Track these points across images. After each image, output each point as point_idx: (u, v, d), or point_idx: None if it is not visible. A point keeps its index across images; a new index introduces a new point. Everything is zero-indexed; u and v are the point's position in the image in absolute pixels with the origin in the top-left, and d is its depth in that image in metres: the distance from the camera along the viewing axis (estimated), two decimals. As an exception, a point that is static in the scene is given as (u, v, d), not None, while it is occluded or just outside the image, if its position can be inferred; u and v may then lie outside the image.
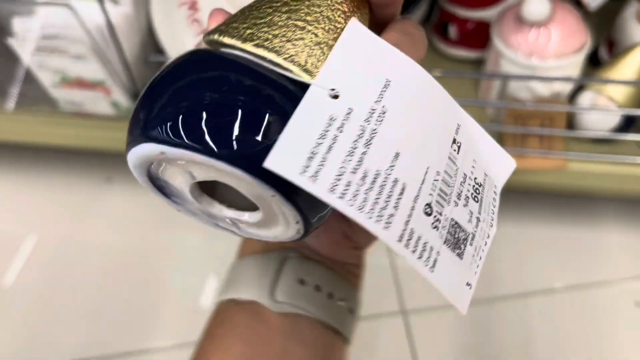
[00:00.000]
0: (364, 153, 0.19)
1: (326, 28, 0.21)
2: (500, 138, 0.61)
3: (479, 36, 0.66)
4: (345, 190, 0.18)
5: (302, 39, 0.20)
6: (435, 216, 0.20)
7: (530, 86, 0.58)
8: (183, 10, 0.63)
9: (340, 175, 0.18)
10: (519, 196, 0.74)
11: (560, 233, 0.72)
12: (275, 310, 0.26)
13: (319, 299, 0.27)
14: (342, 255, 0.29)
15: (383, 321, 0.65)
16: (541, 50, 0.56)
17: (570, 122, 0.61)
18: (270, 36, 0.20)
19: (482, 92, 0.65)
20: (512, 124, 0.59)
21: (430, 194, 0.20)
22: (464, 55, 0.69)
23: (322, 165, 0.18)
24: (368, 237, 0.28)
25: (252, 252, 0.29)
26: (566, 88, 0.59)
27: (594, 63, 0.66)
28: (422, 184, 0.20)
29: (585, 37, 0.57)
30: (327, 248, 0.28)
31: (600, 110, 0.56)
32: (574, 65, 0.57)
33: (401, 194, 0.19)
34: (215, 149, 0.18)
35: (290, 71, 0.19)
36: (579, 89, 0.59)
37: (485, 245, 0.23)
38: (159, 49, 0.64)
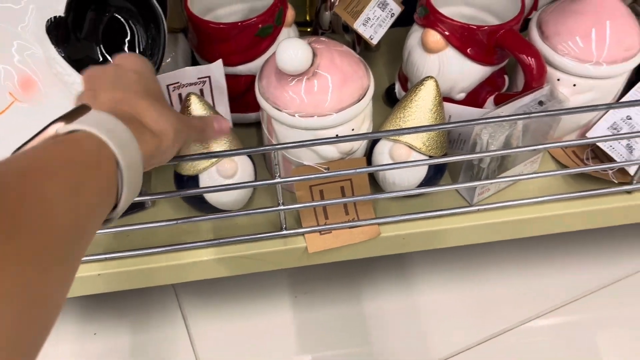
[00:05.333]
0: None
1: None
2: (299, 219, 0.49)
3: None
4: None
5: None
6: None
7: (315, 149, 0.46)
8: None
9: None
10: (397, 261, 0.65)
11: (449, 293, 0.64)
12: None
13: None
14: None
15: None
16: (315, 105, 0.44)
17: (375, 180, 0.50)
18: None
19: (268, 163, 0.53)
20: (307, 200, 0.47)
21: None
22: (244, 118, 0.56)
23: None
24: None
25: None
26: (358, 142, 0.48)
27: (392, 101, 0.57)
28: None
29: (366, 79, 0.47)
30: None
31: (401, 166, 0.46)
32: (359, 115, 0.46)
33: None
34: None
35: None
36: (373, 141, 0.49)
37: None
38: None
